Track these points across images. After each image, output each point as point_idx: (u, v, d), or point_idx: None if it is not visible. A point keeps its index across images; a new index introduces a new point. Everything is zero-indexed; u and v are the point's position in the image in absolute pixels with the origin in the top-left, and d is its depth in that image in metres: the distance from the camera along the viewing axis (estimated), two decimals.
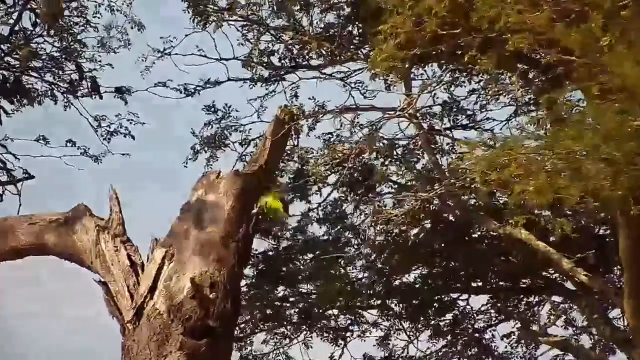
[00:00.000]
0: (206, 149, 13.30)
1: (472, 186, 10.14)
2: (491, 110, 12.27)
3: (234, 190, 8.93)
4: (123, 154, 14.38)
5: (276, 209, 9.04)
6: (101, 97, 13.75)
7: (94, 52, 13.74)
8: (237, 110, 13.37)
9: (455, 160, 10.39)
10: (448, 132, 12.10)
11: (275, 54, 12.69)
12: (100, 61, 13.81)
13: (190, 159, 13.32)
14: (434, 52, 8.55)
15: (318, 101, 12.35)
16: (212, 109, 13.29)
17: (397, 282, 14.35)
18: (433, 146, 11.93)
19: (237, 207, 8.82)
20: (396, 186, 12.90)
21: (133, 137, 14.33)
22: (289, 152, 12.44)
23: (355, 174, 12.93)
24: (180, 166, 13.29)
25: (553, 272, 13.56)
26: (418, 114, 11.13)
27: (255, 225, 9.01)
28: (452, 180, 10.11)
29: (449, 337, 14.70)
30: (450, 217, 13.28)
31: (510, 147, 6.95)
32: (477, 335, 14.78)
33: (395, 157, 12.58)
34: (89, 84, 13.69)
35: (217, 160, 13.35)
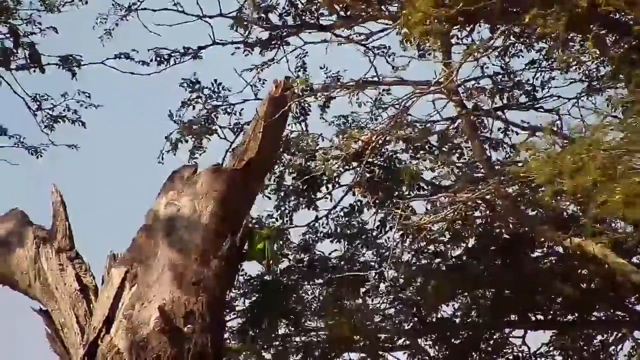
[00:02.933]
0: (188, 137, 13.14)
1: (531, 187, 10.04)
2: (556, 87, 12.17)
3: (216, 192, 8.91)
4: (70, 146, 14.31)
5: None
6: (43, 71, 13.68)
7: (32, 11, 13.66)
8: (226, 89, 13.24)
9: (511, 160, 10.24)
10: (499, 113, 11.98)
11: (275, 9, 12.63)
12: (40, 23, 13.75)
13: (167, 151, 13.15)
14: (484, 8, 8.47)
15: (330, 72, 12.25)
16: (195, 84, 13.16)
17: (431, 316, 14.29)
18: (480, 132, 11.84)
19: (220, 214, 8.79)
20: (429, 187, 12.79)
21: (84, 124, 14.24)
22: (291, 140, 12.36)
23: (377, 171, 12.85)
24: (145, 162, 13.24)
25: (636, 300, 13.47)
26: (460, 90, 11.03)
27: (244, 237, 8.97)
28: (504, 178, 10.00)
29: None
30: (502, 228, 13.18)
31: (588, 144, 6.81)
32: None
33: (429, 147, 12.48)
34: (27, 52, 13.62)
35: (204, 151, 13.21)
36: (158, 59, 13.14)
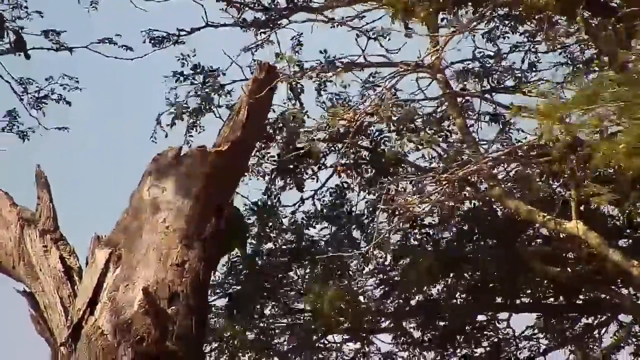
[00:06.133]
0: (184, 115, 13.15)
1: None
2: (541, 70, 12.20)
3: (200, 173, 8.91)
4: (60, 129, 14.28)
5: None
6: (28, 57, 13.62)
7: None
8: (220, 72, 13.31)
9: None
10: (487, 95, 11.98)
11: None
12: (26, 7, 13.69)
13: (165, 127, 13.17)
14: None
15: (327, 55, 12.28)
16: (196, 67, 13.21)
17: (417, 298, 14.30)
18: (465, 113, 11.82)
19: (205, 196, 8.80)
20: (413, 169, 12.78)
21: (69, 103, 14.23)
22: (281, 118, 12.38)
23: (363, 152, 12.85)
24: (130, 144, 13.25)
25: (621, 283, 13.49)
26: (448, 70, 11.05)
27: (229, 219, 8.98)
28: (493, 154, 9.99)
29: None
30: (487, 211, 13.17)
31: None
32: None
33: (416, 128, 12.45)
34: (12, 37, 13.54)
35: (201, 131, 13.25)
36: (152, 41, 13.18)
